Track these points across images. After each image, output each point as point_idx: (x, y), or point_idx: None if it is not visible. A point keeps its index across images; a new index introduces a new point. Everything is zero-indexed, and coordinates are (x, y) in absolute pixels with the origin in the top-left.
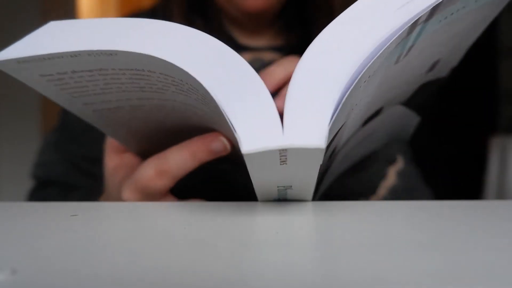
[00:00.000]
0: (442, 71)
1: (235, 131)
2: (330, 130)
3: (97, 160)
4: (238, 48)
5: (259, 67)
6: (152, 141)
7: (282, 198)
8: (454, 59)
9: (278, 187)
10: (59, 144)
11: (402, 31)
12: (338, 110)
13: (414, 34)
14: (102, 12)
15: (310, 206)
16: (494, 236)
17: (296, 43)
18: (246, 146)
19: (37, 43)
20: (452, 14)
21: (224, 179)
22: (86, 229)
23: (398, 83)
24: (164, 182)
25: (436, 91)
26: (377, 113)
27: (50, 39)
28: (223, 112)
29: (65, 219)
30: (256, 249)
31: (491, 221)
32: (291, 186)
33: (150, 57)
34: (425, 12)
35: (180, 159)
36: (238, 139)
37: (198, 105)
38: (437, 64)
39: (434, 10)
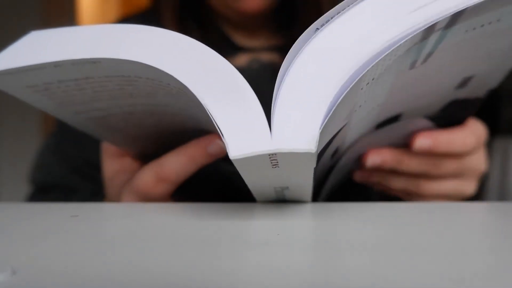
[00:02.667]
0: (478, 91)
1: (222, 135)
2: (323, 132)
3: (99, 164)
4: (235, 48)
5: (258, 67)
6: (151, 143)
7: (281, 199)
8: (493, 80)
9: (275, 187)
10: (58, 148)
11: (413, 35)
12: (331, 113)
13: (432, 40)
14: (103, 12)
15: (310, 207)
16: (495, 238)
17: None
18: (234, 151)
19: (18, 55)
20: (482, 26)
21: (223, 179)
22: (86, 230)
23: (420, 92)
24: (164, 189)
25: (472, 112)
26: (395, 119)
27: (32, 50)
28: (210, 116)
29: (66, 220)
30: (258, 250)
31: (493, 223)
32: (287, 187)
33: (134, 62)
34: (441, 18)
35: (178, 164)
36: (225, 144)
37: (190, 108)
38: (470, 81)
39: (455, 18)
